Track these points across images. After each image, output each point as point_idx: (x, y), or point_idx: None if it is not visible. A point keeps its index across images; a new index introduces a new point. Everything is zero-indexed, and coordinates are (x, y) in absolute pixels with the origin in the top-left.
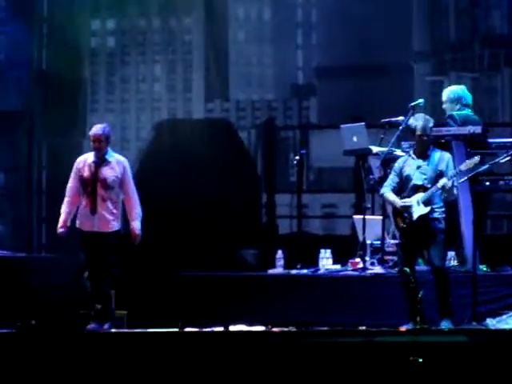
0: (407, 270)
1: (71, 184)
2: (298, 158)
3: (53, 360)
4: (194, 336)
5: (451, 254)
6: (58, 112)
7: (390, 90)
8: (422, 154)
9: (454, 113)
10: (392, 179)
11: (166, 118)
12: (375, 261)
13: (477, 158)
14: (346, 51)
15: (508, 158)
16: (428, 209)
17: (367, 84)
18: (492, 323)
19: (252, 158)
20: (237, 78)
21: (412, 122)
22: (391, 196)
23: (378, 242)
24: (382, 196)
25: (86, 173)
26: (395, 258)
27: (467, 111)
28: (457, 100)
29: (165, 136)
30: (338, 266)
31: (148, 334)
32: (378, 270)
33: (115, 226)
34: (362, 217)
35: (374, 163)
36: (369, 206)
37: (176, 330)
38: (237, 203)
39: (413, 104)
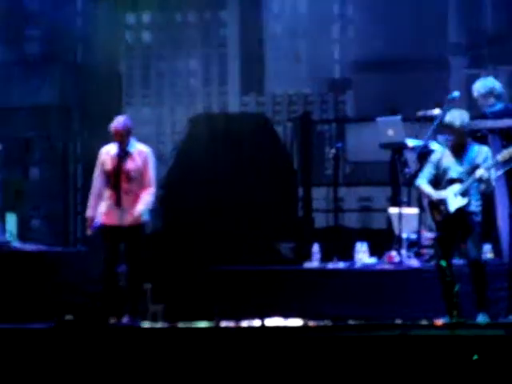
0: (444, 263)
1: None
2: (334, 151)
3: (89, 355)
4: (230, 330)
5: (487, 247)
6: (94, 106)
7: (426, 84)
8: (460, 147)
9: (488, 111)
10: (428, 170)
11: (202, 111)
12: (411, 254)
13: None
14: (382, 45)
15: None
16: (466, 200)
17: (403, 77)
18: None
19: (288, 151)
20: (272, 71)
21: (448, 117)
22: (427, 188)
23: (415, 236)
24: (417, 187)
25: (109, 165)
26: (431, 251)
27: (500, 105)
28: (489, 93)
29: (200, 130)
30: (374, 260)
31: (184, 329)
32: (414, 263)
33: (140, 219)
34: (398, 210)
35: (410, 157)
36: (405, 199)
37: (212, 324)
38: (273, 197)
39: (449, 97)
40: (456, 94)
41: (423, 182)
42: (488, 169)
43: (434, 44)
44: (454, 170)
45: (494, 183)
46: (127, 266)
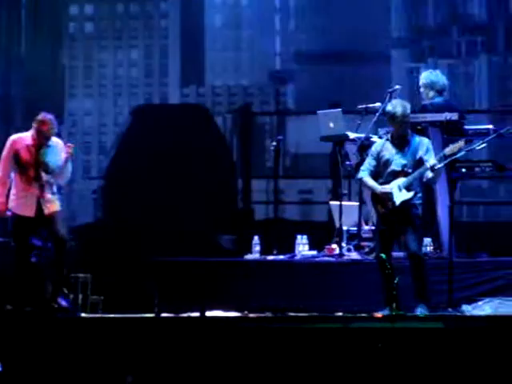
0: (384, 255)
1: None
2: (274, 143)
3: (27, 345)
4: (170, 321)
5: (427, 240)
6: (37, 98)
7: (368, 77)
8: (402, 139)
9: (428, 103)
10: (369, 163)
11: (143, 103)
12: (351, 247)
13: (461, 142)
14: (324, 37)
15: (484, 145)
16: (411, 194)
17: (345, 70)
18: (468, 310)
19: (228, 143)
20: (213, 63)
21: (390, 108)
22: (370, 181)
23: (355, 229)
24: (360, 180)
25: (26, 156)
26: (371, 244)
27: (440, 99)
28: (430, 85)
29: (142, 121)
30: (314, 252)
31: (123, 319)
32: (354, 256)
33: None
34: (338, 203)
35: (351, 149)
36: (345, 192)
37: (152, 315)
38: (213, 189)
39: (390, 90)
40: (397, 87)
41: (365, 175)
42: (439, 160)
43: (376, 37)
44: (397, 162)
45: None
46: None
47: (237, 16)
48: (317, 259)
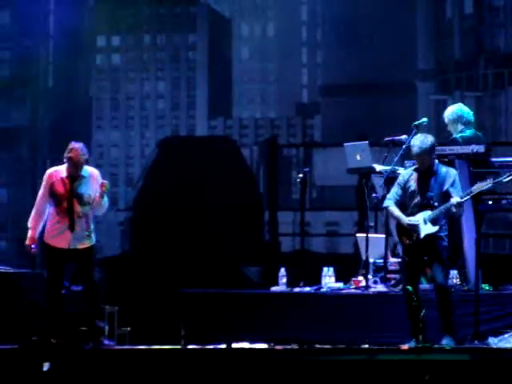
0: (410, 287)
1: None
2: (301, 175)
3: (55, 377)
4: (197, 353)
5: (454, 272)
6: (64, 128)
7: (395, 109)
8: (427, 171)
9: (458, 136)
10: (396, 192)
11: (170, 134)
12: (378, 279)
13: (489, 181)
14: (351, 70)
15: (511, 177)
16: (436, 228)
17: (372, 102)
18: (494, 342)
19: (254, 175)
20: (240, 95)
21: (412, 142)
22: (396, 211)
23: (381, 261)
24: (385, 209)
25: (61, 189)
26: (398, 276)
27: (470, 131)
28: (457, 120)
29: (168, 153)
30: (340, 284)
31: (150, 350)
32: (380, 288)
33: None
34: (364, 235)
35: (377, 182)
36: (372, 224)
37: (179, 347)
38: (240, 220)
39: (416, 123)
40: (424, 120)
41: (391, 204)
42: (464, 197)
43: (402, 69)
44: (423, 193)
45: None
46: (84, 287)
47: (264, 48)
48: (343, 291)
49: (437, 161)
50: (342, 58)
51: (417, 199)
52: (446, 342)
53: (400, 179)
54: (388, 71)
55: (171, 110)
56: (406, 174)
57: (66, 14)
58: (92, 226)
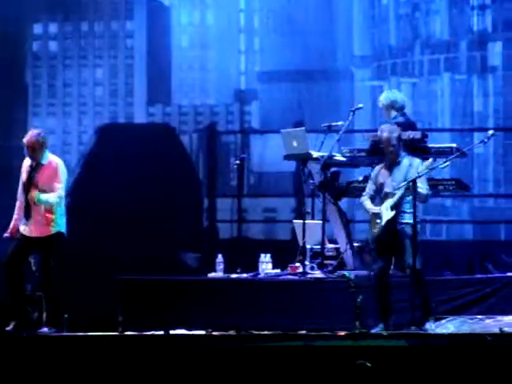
0: (379, 272)
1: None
2: (238, 162)
3: None
4: (134, 339)
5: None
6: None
7: (332, 95)
8: (392, 162)
9: (391, 122)
10: (369, 187)
11: (108, 122)
12: (315, 265)
13: (430, 160)
14: (288, 57)
15: (448, 164)
16: (393, 213)
17: (308, 89)
18: (431, 328)
19: (194, 162)
20: (180, 83)
21: (378, 132)
22: (367, 204)
23: (318, 247)
24: (360, 203)
25: (24, 177)
26: (335, 262)
27: (402, 118)
28: (390, 105)
29: (106, 140)
30: (277, 271)
31: (88, 337)
32: (317, 274)
33: (50, 230)
34: (302, 221)
35: (315, 168)
36: (309, 210)
37: (116, 333)
38: (178, 207)
39: (352, 109)
40: (361, 105)
41: (365, 199)
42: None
43: (338, 56)
44: (388, 184)
45: (426, 192)
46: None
47: (203, 36)
48: (280, 277)
49: (404, 152)
50: (278, 45)
51: (384, 190)
52: (430, 327)
53: (372, 174)
54: (324, 57)
55: (109, 97)
56: (377, 168)
57: (3, 1)
58: (55, 215)
